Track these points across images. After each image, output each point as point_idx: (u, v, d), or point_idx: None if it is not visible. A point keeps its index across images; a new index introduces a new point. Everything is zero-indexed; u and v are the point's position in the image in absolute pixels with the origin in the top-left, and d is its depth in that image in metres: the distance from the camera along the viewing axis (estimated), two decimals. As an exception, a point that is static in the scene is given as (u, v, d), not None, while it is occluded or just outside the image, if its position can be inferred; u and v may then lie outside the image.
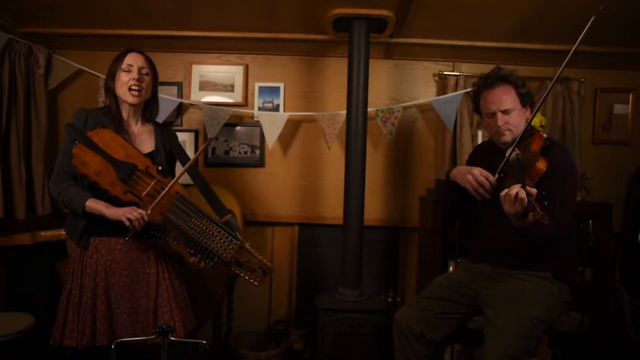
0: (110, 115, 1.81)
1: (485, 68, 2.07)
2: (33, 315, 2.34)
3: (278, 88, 3.16)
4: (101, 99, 2.93)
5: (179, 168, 1.84)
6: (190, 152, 3.04)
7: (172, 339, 1.54)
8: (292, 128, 3.15)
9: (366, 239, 2.68)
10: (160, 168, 1.76)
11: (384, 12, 2.48)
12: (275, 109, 3.15)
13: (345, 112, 2.73)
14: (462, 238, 2.13)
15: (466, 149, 2.94)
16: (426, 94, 3.17)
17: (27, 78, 2.85)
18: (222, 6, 2.48)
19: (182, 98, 3.13)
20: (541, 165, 1.68)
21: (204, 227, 1.73)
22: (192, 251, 1.74)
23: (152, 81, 1.88)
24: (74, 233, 1.78)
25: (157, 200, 1.68)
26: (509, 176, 1.71)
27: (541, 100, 1.78)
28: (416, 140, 3.20)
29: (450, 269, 2.71)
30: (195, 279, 2.05)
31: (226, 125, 3.05)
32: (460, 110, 3.01)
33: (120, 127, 1.79)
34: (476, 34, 2.74)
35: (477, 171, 1.78)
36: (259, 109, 3.14)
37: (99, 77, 2.99)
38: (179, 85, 3.15)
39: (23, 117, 2.81)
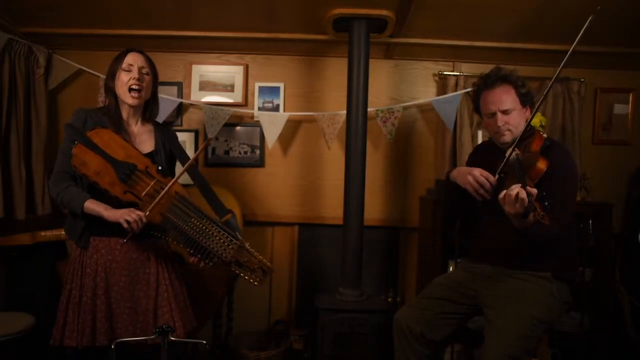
0: (110, 115, 1.81)
1: (485, 68, 2.07)
2: (33, 315, 2.34)
3: (278, 88, 3.16)
4: (101, 99, 2.93)
5: (179, 168, 1.84)
6: (190, 152, 3.04)
7: (172, 339, 1.54)
8: (292, 128, 3.15)
9: (366, 239, 2.68)
10: (160, 168, 1.76)
11: (384, 12, 2.48)
12: (275, 109, 3.15)
13: (345, 112, 2.73)
14: (462, 238, 2.13)
15: (466, 149, 2.94)
16: (426, 94, 3.17)
17: (27, 78, 2.85)
18: (222, 6, 2.48)
19: (182, 98, 3.13)
20: (541, 165, 1.68)
21: (204, 227, 1.73)
22: (191, 251, 1.74)
23: (152, 81, 1.88)
24: (73, 233, 1.78)
25: (156, 200, 1.68)
26: (509, 176, 1.71)
27: (541, 100, 1.77)
28: (416, 140, 3.20)
29: (450, 269, 2.71)
30: (195, 279, 2.05)
31: (226, 125, 3.05)
32: (460, 110, 3.01)
33: (119, 127, 1.79)
34: (476, 34, 2.74)
35: (477, 172, 1.78)
36: (259, 109, 3.14)
37: (99, 77, 2.99)
38: (179, 85, 3.15)
39: (23, 117, 2.81)
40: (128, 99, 1.80)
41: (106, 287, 1.75)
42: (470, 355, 2.70)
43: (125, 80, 1.79)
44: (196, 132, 3.16)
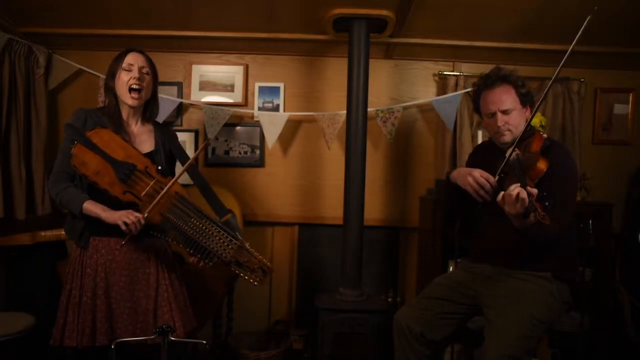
0: (110, 115, 1.81)
1: (485, 68, 2.07)
2: (33, 315, 2.34)
3: (278, 88, 3.16)
4: (101, 99, 2.93)
5: (178, 168, 1.84)
6: (190, 152, 3.04)
7: (172, 339, 1.54)
8: (292, 128, 3.15)
9: (366, 239, 2.68)
10: (159, 168, 1.76)
11: (384, 12, 2.48)
12: (275, 109, 3.15)
13: (345, 112, 2.73)
14: (462, 238, 2.13)
15: (466, 149, 2.94)
16: (426, 94, 3.17)
17: (27, 78, 2.85)
18: (222, 6, 2.48)
19: (182, 98, 3.13)
20: (542, 165, 1.68)
21: (204, 227, 1.73)
22: (191, 251, 1.73)
23: (152, 81, 1.88)
24: (73, 233, 1.78)
25: (156, 201, 1.68)
26: (509, 176, 1.71)
27: (541, 100, 1.77)
28: (416, 140, 3.20)
29: (450, 269, 2.71)
30: (195, 279, 2.05)
31: (226, 125, 3.05)
32: (460, 110, 3.01)
33: (119, 127, 1.79)
34: (476, 34, 2.74)
35: (478, 173, 1.78)
36: (259, 109, 3.14)
37: (99, 77, 2.99)
38: (179, 85, 3.15)
39: (23, 117, 2.81)
40: (128, 99, 1.80)
41: (106, 287, 1.75)
42: (470, 355, 2.70)
43: (125, 80, 1.79)
44: (196, 132, 3.16)
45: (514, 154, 1.64)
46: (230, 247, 1.74)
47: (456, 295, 1.94)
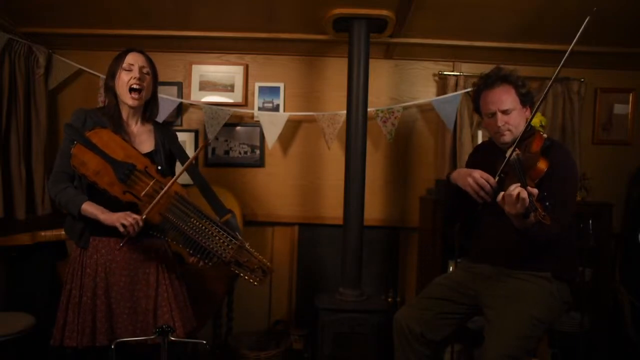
0: (110, 115, 1.81)
1: (485, 68, 2.07)
2: (33, 315, 2.34)
3: (278, 88, 3.16)
4: (101, 99, 2.93)
5: (178, 168, 1.83)
6: (190, 152, 3.04)
7: (172, 339, 1.54)
8: (292, 128, 3.15)
9: (366, 239, 2.68)
10: (159, 168, 1.76)
11: (384, 12, 2.48)
12: (275, 109, 3.15)
13: (345, 112, 2.73)
14: (462, 238, 2.13)
15: (466, 149, 2.94)
16: (426, 94, 3.17)
17: (27, 78, 2.85)
18: (222, 6, 2.48)
19: (182, 98, 3.13)
20: (542, 165, 1.68)
21: (203, 227, 1.73)
22: (191, 251, 1.73)
23: (152, 81, 1.88)
24: (73, 233, 1.78)
25: (155, 201, 1.68)
26: (509, 177, 1.71)
27: (541, 100, 1.77)
28: (416, 140, 3.20)
29: (450, 269, 2.71)
30: (195, 279, 2.05)
31: (226, 125, 3.05)
32: (460, 110, 3.01)
33: (119, 127, 1.79)
34: (476, 34, 2.74)
35: (478, 174, 1.78)
36: (259, 109, 3.14)
37: (99, 77, 2.99)
38: (179, 85, 3.15)
39: (23, 117, 2.81)
40: (128, 99, 1.80)
41: (106, 287, 1.75)
42: (470, 355, 2.70)
43: (125, 80, 1.79)
44: (196, 132, 3.16)
45: (514, 154, 1.64)
46: (230, 247, 1.74)
47: (456, 295, 1.94)
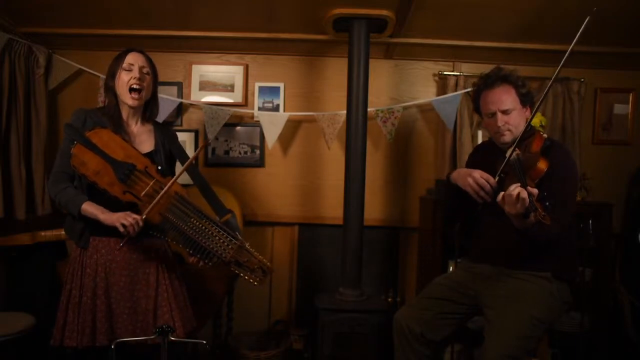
0: (110, 115, 1.80)
1: (485, 68, 2.07)
2: (33, 315, 2.34)
3: (278, 88, 3.16)
4: (101, 99, 2.93)
5: (178, 168, 1.83)
6: (190, 152, 3.04)
7: (172, 339, 1.54)
8: (292, 128, 3.15)
9: (366, 239, 2.68)
10: (159, 168, 1.76)
11: (384, 12, 2.48)
12: (275, 109, 3.15)
13: (345, 112, 2.73)
14: (462, 238, 2.13)
15: (466, 149, 2.94)
16: (426, 94, 3.17)
17: (27, 78, 2.85)
18: (222, 6, 2.48)
19: (182, 98, 3.13)
20: (542, 165, 1.68)
21: (203, 227, 1.73)
22: (191, 251, 1.73)
23: (152, 81, 1.88)
24: (73, 233, 1.78)
25: (155, 201, 1.68)
26: (509, 177, 1.71)
27: (540, 100, 1.77)
28: (416, 140, 3.20)
29: (450, 269, 2.71)
30: (195, 279, 2.05)
31: (226, 125, 3.05)
32: (460, 110, 3.01)
33: (119, 127, 1.79)
34: (476, 34, 2.74)
35: (478, 174, 1.78)
36: (259, 109, 3.14)
37: (99, 77, 2.99)
38: (179, 85, 3.15)
39: (23, 117, 2.81)
40: (128, 100, 1.80)
41: (106, 287, 1.75)
42: (470, 355, 2.70)
43: (126, 80, 1.79)
44: (196, 132, 3.16)
45: (514, 154, 1.64)
46: (230, 247, 1.74)
47: (456, 295, 1.94)
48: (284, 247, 3.23)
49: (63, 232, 1.87)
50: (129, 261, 1.78)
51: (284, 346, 2.88)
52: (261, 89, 3.16)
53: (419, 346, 1.91)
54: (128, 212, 1.67)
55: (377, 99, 3.13)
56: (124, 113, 1.85)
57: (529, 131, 1.84)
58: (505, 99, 1.85)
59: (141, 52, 1.86)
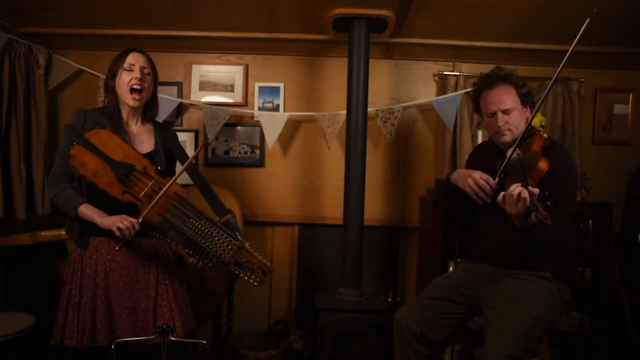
0: (109, 116, 1.80)
1: (485, 68, 2.07)
2: (33, 315, 2.34)
3: (278, 88, 3.16)
4: (101, 99, 2.93)
5: (179, 168, 1.83)
6: (190, 152, 3.03)
7: (172, 339, 1.54)
8: (292, 128, 3.15)
9: (366, 239, 2.68)
10: (159, 168, 1.76)
11: (384, 12, 2.48)
12: (275, 109, 3.15)
13: (345, 112, 2.73)
14: (462, 238, 2.14)
15: (466, 149, 2.94)
16: (426, 94, 3.17)
17: (27, 78, 2.85)
18: (222, 6, 2.48)
19: (182, 98, 3.13)
20: (543, 165, 1.68)
21: (202, 228, 1.72)
22: (190, 252, 1.73)
23: (153, 81, 1.87)
24: (73, 233, 1.78)
25: (154, 201, 1.67)
26: (509, 177, 1.71)
27: (541, 100, 1.77)
28: (416, 140, 3.20)
29: (450, 269, 2.71)
30: (195, 279, 2.04)
31: (226, 125, 3.05)
32: (460, 110, 3.01)
33: (119, 127, 1.79)
34: (476, 34, 2.74)
35: (478, 175, 1.78)
36: (259, 109, 3.14)
37: (99, 77, 2.99)
38: (179, 85, 3.15)
39: (23, 117, 2.81)
40: (129, 100, 1.80)
41: (106, 287, 1.74)
42: (470, 355, 2.70)
43: (127, 80, 1.79)
44: (196, 132, 3.16)
45: (514, 153, 1.63)
46: (229, 247, 1.73)
47: (456, 295, 1.94)
48: (284, 247, 3.23)
49: (63, 232, 1.88)
50: (129, 261, 1.78)
51: (284, 346, 2.88)
52: (261, 89, 3.16)
53: (419, 346, 1.91)
54: (124, 216, 1.67)
55: (377, 99, 3.13)
56: (124, 113, 1.85)
57: (529, 131, 1.84)
58: (505, 98, 1.85)
59: (142, 52, 1.85)
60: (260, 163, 3.18)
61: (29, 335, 2.24)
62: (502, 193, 1.53)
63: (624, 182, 3.16)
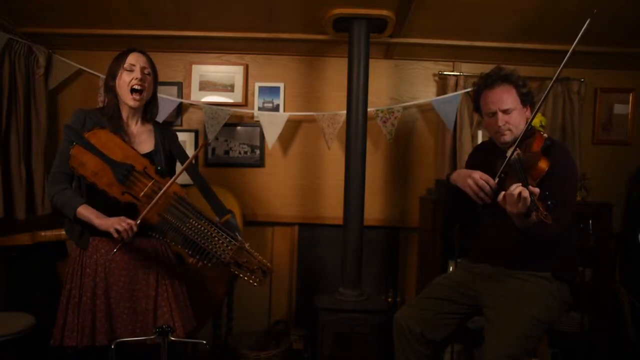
0: (109, 116, 1.80)
1: (485, 68, 2.07)
2: (33, 315, 2.34)
3: (278, 88, 3.16)
4: (101, 99, 2.93)
5: (179, 168, 1.83)
6: (190, 152, 3.03)
7: (172, 339, 1.54)
8: (292, 128, 3.15)
9: (366, 239, 2.68)
10: (158, 168, 1.76)
11: (384, 12, 2.48)
12: (275, 109, 3.15)
13: (345, 112, 2.73)
14: (462, 238, 2.14)
15: (466, 149, 2.94)
16: (426, 94, 3.17)
17: (27, 78, 2.85)
18: (222, 6, 2.48)
19: (182, 98, 3.13)
20: (543, 165, 1.68)
21: (202, 228, 1.72)
22: (190, 252, 1.73)
23: (153, 81, 1.87)
24: (73, 233, 1.78)
25: (154, 202, 1.67)
26: (509, 177, 1.71)
27: (541, 100, 1.77)
28: (416, 140, 3.20)
29: (450, 269, 2.71)
30: (195, 279, 2.04)
31: (226, 125, 3.05)
32: (460, 110, 3.01)
33: (118, 128, 1.78)
34: (476, 34, 2.74)
35: (478, 175, 1.78)
36: (259, 109, 3.14)
37: (99, 77, 2.99)
38: (179, 85, 3.15)
39: (23, 117, 2.81)
40: (129, 100, 1.80)
41: (106, 287, 1.74)
42: (470, 355, 2.70)
43: (127, 80, 1.78)
44: (196, 132, 3.16)
45: (515, 153, 1.63)
46: (229, 248, 1.73)
47: (456, 295, 1.94)
48: (284, 247, 3.23)
49: (63, 232, 1.88)
50: (128, 261, 1.78)
51: (284, 346, 2.88)
52: (261, 89, 3.16)
53: (419, 346, 1.91)
54: (122, 217, 1.66)
55: (377, 99, 3.13)
56: (124, 113, 1.85)
57: (530, 131, 1.84)
58: (505, 98, 1.85)
59: (142, 52, 1.85)
60: (260, 163, 3.18)
61: (29, 335, 2.24)
62: (503, 192, 1.53)
63: (624, 182, 3.16)
